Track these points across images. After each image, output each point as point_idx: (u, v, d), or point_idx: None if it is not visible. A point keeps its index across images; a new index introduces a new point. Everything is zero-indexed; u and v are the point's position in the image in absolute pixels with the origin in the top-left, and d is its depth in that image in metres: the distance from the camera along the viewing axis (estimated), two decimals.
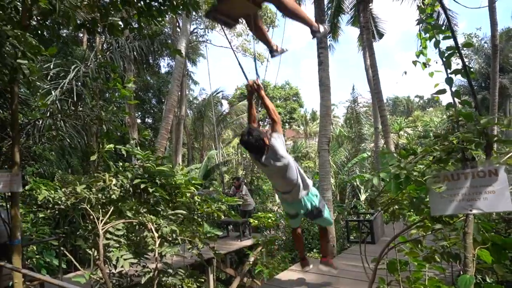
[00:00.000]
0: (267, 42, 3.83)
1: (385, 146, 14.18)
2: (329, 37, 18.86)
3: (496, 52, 11.76)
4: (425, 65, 2.79)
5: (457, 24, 15.33)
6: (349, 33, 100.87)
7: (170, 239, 3.90)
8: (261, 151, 3.51)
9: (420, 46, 2.73)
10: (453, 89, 2.36)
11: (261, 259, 8.19)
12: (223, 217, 4.42)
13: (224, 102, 30.69)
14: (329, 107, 9.12)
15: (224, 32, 22.38)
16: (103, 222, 3.61)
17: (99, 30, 5.48)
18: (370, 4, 15.33)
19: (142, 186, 3.71)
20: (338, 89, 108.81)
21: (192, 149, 28.73)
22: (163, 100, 24.03)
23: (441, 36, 2.45)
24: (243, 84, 37.47)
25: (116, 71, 4.58)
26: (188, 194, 4.41)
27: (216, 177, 18.60)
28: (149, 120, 28.15)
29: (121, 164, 4.36)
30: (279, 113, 32.23)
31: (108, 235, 3.64)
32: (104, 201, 3.91)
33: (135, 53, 12.86)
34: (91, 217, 3.58)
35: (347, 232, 9.31)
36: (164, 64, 28.40)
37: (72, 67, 11.79)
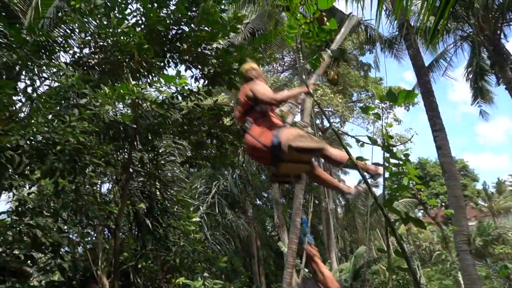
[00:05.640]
0: (335, 188, 3.68)
1: None
2: (478, 102, 16.43)
3: None
4: None
5: None
6: None
7: None
8: None
9: None
10: None
11: None
12: None
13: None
14: (460, 197, 7.58)
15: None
16: None
17: None
18: None
19: None
20: None
21: (350, 243, 27.24)
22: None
23: None
24: None
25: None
26: None
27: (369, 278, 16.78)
28: None
29: None
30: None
31: None
32: None
33: None
34: None
35: None
36: None
37: (214, 183, 13.75)
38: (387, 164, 2.28)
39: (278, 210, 20.90)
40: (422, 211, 30.02)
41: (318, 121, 25.56)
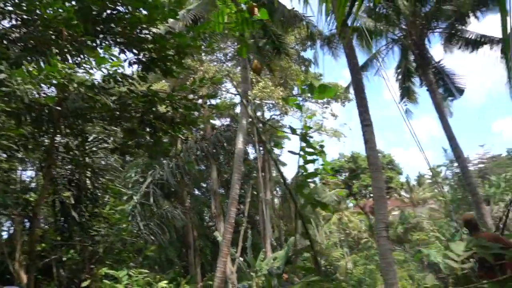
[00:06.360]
0: None
1: None
2: (404, 101, 17.81)
3: None
4: None
5: None
6: None
7: None
8: None
9: None
10: None
11: None
12: None
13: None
14: (382, 188, 8.21)
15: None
16: None
17: None
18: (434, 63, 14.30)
19: None
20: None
21: (285, 232, 28.16)
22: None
23: None
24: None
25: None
26: None
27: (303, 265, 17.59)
28: None
29: None
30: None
31: None
32: None
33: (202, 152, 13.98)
34: None
35: None
36: (252, 151, 29.73)
37: (149, 172, 13.37)
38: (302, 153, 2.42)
39: (216, 200, 20.98)
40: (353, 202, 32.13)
41: (259, 113, 25.92)
